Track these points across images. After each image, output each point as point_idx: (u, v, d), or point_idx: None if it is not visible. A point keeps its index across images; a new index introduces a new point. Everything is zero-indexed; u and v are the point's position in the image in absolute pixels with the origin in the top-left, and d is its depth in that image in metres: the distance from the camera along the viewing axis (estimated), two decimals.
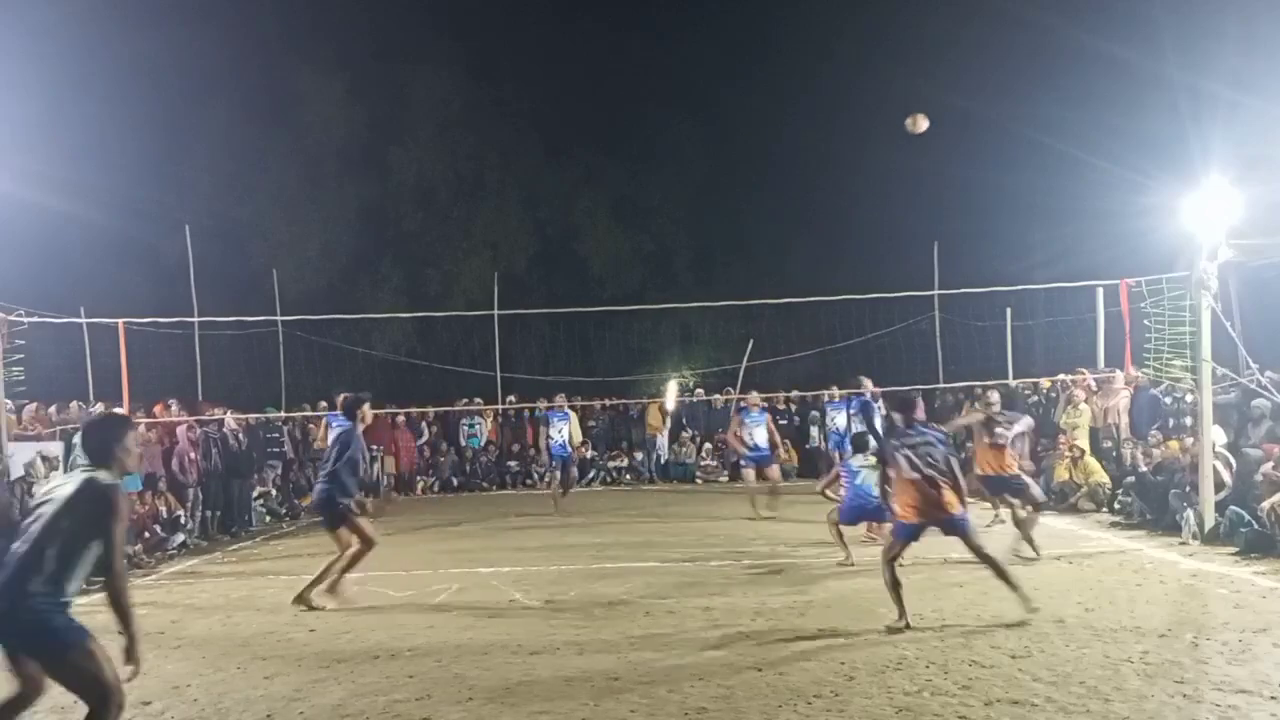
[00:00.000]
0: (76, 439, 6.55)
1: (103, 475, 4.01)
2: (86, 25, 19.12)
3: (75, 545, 3.87)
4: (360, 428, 8.29)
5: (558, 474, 14.19)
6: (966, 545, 6.49)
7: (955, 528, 6.43)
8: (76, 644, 3.85)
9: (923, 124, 10.29)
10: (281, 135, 23.63)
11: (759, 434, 12.73)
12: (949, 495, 6.36)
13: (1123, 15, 18.66)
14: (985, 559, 6.48)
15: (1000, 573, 6.47)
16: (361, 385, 13.25)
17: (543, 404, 18.23)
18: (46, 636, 3.80)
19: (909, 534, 6.52)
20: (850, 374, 16.19)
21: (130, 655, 4.00)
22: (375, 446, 17.85)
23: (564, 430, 14.01)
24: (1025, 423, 9.32)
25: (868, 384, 13.05)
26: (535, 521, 13.05)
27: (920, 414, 6.83)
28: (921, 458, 6.38)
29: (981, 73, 21.68)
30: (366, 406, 8.40)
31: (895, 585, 6.44)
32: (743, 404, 13.36)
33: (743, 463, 13.06)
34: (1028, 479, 9.40)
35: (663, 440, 18.65)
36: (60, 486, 4.00)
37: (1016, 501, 9.07)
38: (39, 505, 3.98)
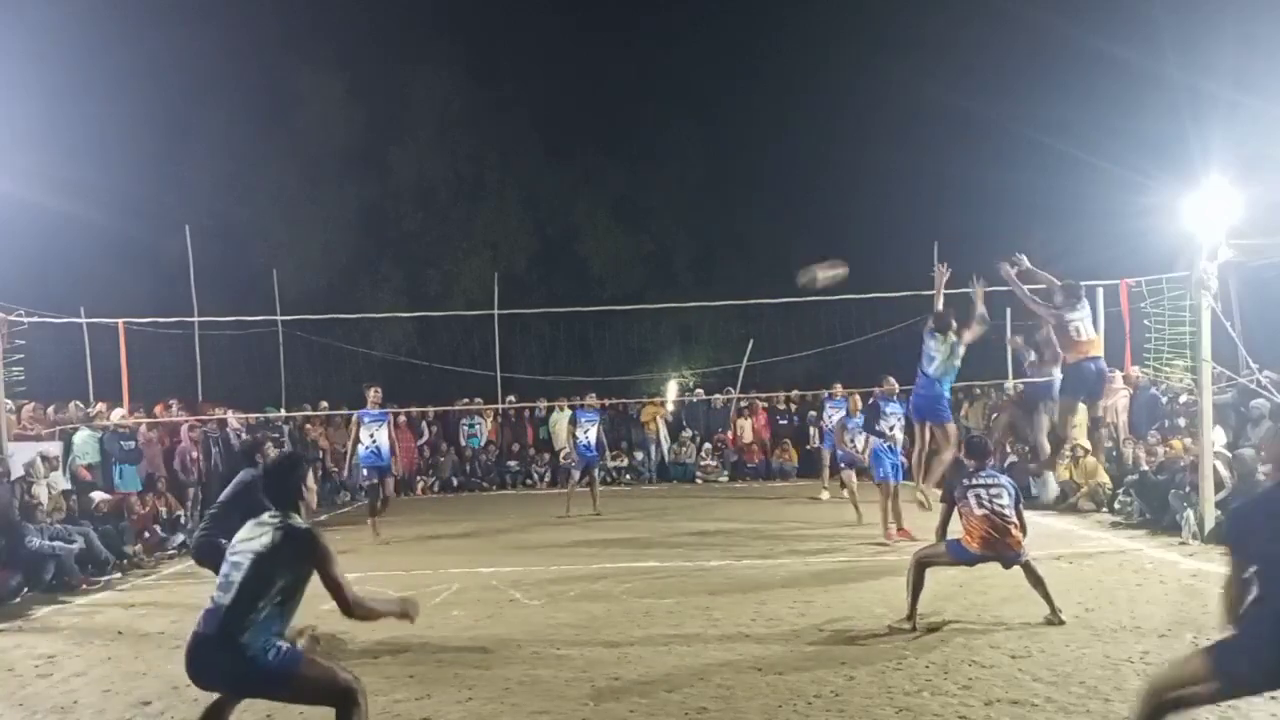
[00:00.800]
0: (249, 475, 6.47)
1: (297, 521, 3.98)
2: (86, 25, 19.14)
3: (287, 593, 3.87)
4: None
5: (577, 474, 13.81)
6: (1025, 573, 6.56)
7: (1015, 563, 6.53)
8: (295, 669, 3.83)
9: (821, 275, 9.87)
10: (281, 135, 23.63)
11: (860, 440, 12.46)
12: (1015, 535, 6.45)
13: (1123, 15, 18.70)
14: (1036, 580, 6.54)
15: (1043, 587, 6.52)
16: (361, 385, 13.18)
17: (542, 402, 18.28)
18: (270, 678, 3.80)
19: (964, 558, 6.56)
20: (849, 374, 16.19)
21: (407, 614, 4.41)
22: None
23: (591, 431, 13.61)
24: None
25: (893, 384, 11.94)
26: (535, 521, 13.05)
27: (991, 460, 7.12)
28: (991, 498, 6.49)
29: (981, 73, 21.71)
30: (269, 447, 7.83)
31: (918, 587, 6.45)
32: (848, 412, 12.96)
33: (844, 466, 12.65)
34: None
35: (663, 435, 18.56)
36: (255, 536, 3.90)
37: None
38: (235, 554, 3.89)
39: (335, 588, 3.91)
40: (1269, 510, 3.65)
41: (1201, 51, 15.76)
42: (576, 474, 13.82)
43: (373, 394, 12.09)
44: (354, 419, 12.10)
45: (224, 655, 3.76)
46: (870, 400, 11.69)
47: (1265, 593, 3.47)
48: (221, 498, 6.92)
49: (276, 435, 7.89)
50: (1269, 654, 3.41)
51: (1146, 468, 11.12)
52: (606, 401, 16.76)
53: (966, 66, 22.14)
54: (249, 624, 3.74)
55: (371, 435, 11.70)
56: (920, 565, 6.52)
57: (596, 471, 14.25)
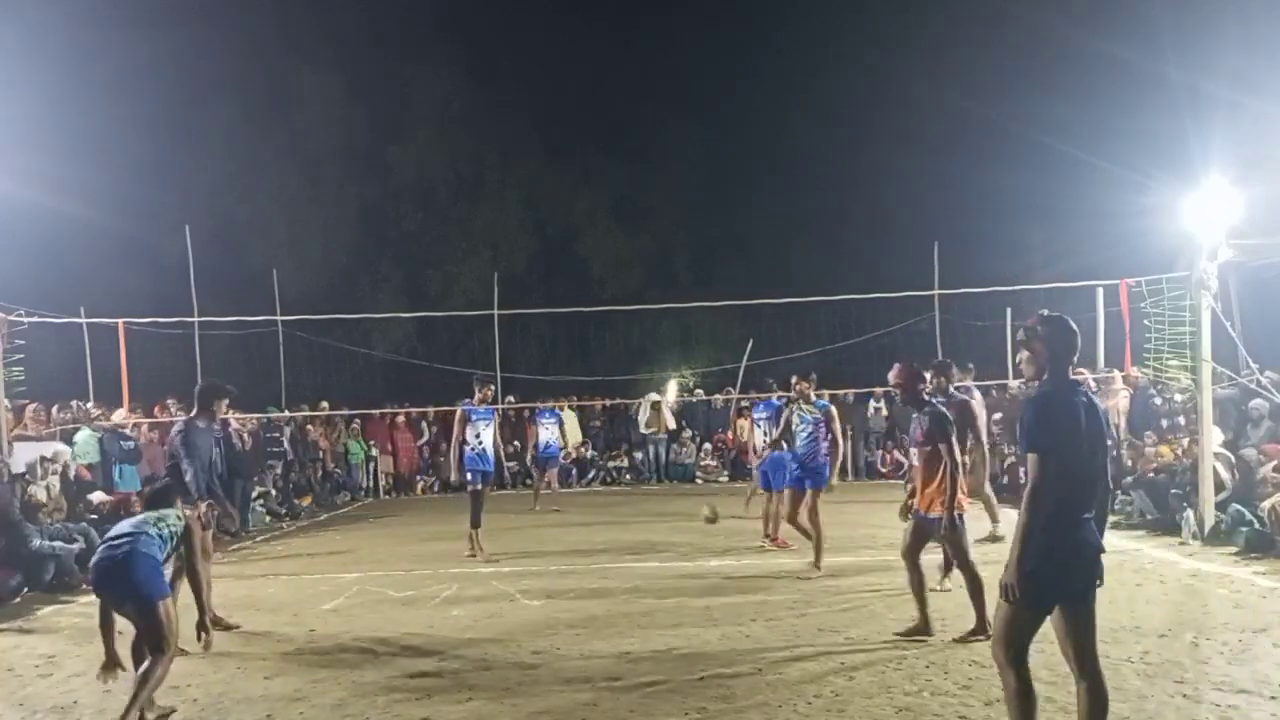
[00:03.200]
0: None
1: None
2: (86, 25, 19.14)
3: None
4: (213, 422, 7.38)
5: (554, 472, 14.46)
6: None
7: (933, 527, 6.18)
8: None
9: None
10: (281, 135, 23.64)
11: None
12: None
13: (1123, 15, 18.73)
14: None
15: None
16: (361, 385, 13.19)
17: (541, 403, 18.32)
18: None
19: (932, 523, 6.21)
20: (849, 374, 16.18)
21: None
22: (374, 446, 17.91)
23: (553, 430, 14.14)
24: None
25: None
26: (535, 522, 13.05)
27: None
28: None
29: (981, 73, 21.75)
30: (225, 403, 7.53)
31: (920, 585, 6.13)
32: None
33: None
34: None
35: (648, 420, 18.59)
36: None
37: None
38: None
39: None
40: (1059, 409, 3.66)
41: (1201, 51, 15.78)
42: (554, 472, 14.58)
43: (480, 391, 10.41)
44: (459, 414, 10.41)
45: None
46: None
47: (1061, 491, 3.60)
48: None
49: (232, 391, 7.76)
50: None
51: (1146, 468, 11.12)
52: (563, 403, 17.15)
53: (966, 66, 22.19)
54: None
55: (478, 435, 10.19)
56: (911, 560, 6.20)
57: (553, 475, 14.78)
